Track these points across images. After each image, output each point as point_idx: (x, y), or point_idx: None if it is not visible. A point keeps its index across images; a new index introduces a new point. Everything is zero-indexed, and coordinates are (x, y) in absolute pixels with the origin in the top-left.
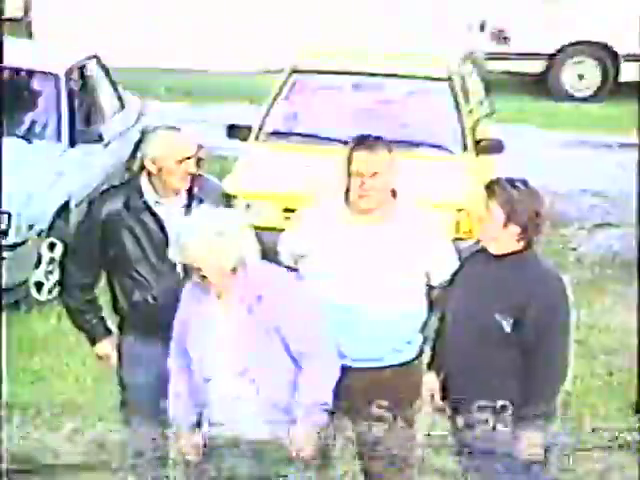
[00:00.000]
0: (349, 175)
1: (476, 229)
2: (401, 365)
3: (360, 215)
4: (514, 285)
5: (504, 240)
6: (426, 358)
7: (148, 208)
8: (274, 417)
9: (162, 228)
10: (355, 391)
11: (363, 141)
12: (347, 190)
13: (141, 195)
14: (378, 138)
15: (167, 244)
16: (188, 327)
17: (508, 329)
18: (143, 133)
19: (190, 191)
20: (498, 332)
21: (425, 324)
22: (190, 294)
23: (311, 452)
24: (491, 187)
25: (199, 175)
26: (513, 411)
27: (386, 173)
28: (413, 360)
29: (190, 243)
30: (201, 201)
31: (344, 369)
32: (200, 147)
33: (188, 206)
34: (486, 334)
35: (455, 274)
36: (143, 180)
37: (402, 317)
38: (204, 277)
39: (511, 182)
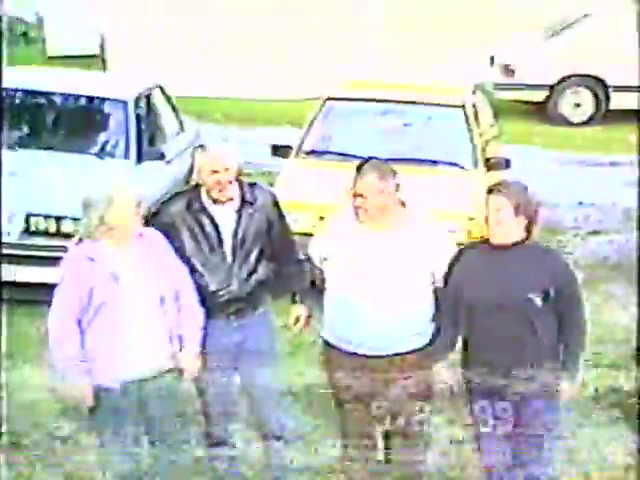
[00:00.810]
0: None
1: (489, 225)
2: (413, 352)
3: (372, 223)
4: (534, 266)
5: (514, 230)
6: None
7: (205, 210)
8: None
9: (216, 227)
10: (373, 375)
11: (359, 168)
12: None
13: (200, 200)
14: (372, 165)
15: (220, 241)
16: (93, 281)
17: (540, 303)
18: (194, 152)
19: (243, 197)
20: (532, 308)
21: (433, 316)
22: (83, 253)
23: (194, 371)
24: (498, 186)
25: (253, 183)
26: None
27: (373, 195)
28: (425, 347)
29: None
30: (251, 204)
31: (361, 356)
32: (233, 162)
33: (239, 210)
34: (521, 312)
35: (460, 267)
36: (202, 188)
37: (410, 311)
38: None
39: (509, 181)
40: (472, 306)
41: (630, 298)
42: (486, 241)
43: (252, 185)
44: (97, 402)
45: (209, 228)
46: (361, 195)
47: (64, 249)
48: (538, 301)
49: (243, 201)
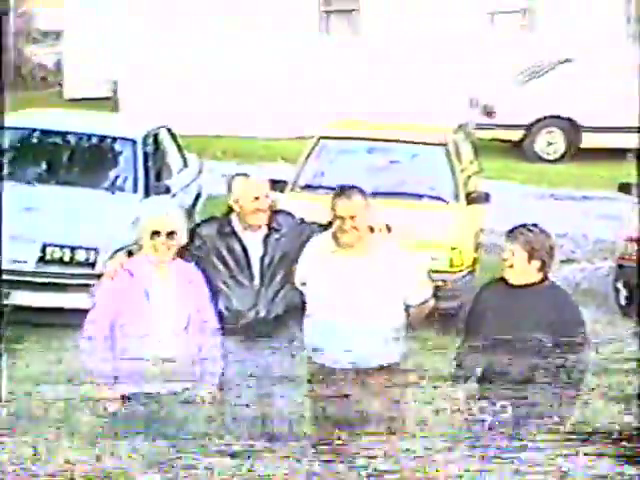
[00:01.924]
0: (334, 218)
1: (505, 270)
2: (384, 368)
3: (344, 249)
4: (546, 308)
5: (528, 273)
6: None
7: (235, 234)
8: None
9: (245, 251)
10: (349, 388)
11: (343, 191)
12: (334, 230)
13: (231, 225)
14: (353, 187)
15: (248, 264)
16: (128, 294)
17: (549, 344)
18: (229, 182)
19: (269, 224)
20: (540, 348)
21: (404, 336)
22: (124, 270)
23: (212, 395)
24: (513, 233)
25: (280, 210)
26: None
27: (361, 215)
28: (396, 364)
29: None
30: (277, 230)
31: (338, 370)
32: (268, 188)
33: (267, 236)
34: (529, 351)
35: (480, 306)
36: (233, 215)
37: (380, 330)
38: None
39: (526, 226)
40: (487, 342)
41: (600, 321)
42: (503, 279)
43: (278, 212)
44: (120, 409)
45: (238, 252)
46: (352, 217)
47: (78, 276)
48: (547, 342)
49: (269, 227)
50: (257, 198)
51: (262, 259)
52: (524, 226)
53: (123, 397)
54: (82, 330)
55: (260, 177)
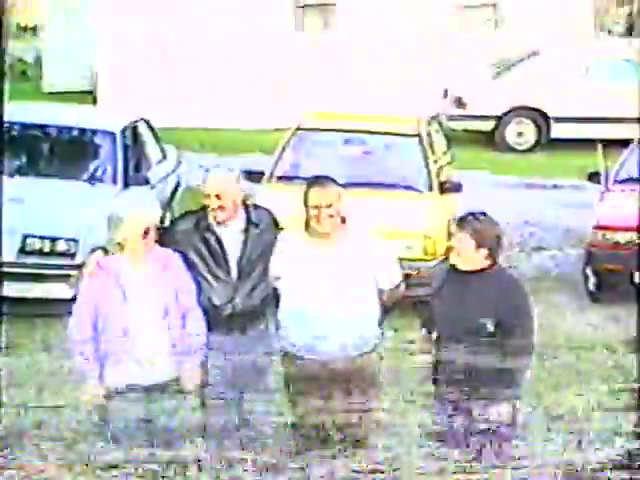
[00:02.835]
0: (307, 208)
1: (453, 256)
2: (361, 355)
3: (319, 238)
4: (492, 293)
5: (476, 260)
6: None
7: (210, 229)
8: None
9: (221, 245)
10: (324, 376)
11: (317, 181)
12: (306, 220)
13: (206, 219)
14: (327, 177)
15: (225, 258)
16: (105, 293)
17: (492, 328)
18: (204, 178)
19: (249, 218)
20: (484, 331)
21: (379, 323)
22: (103, 265)
23: (195, 385)
24: (461, 222)
25: (255, 205)
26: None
27: (336, 204)
28: (371, 351)
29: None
30: (256, 225)
31: (314, 360)
32: (228, 189)
33: (246, 229)
34: (474, 334)
35: (436, 290)
36: (209, 209)
37: (356, 316)
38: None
39: (474, 215)
40: (439, 326)
41: (569, 306)
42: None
43: (257, 207)
44: (106, 402)
45: (215, 246)
46: (328, 205)
47: (58, 267)
48: (489, 326)
49: (248, 222)
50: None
51: (241, 253)
52: (472, 215)
53: (108, 394)
54: (67, 327)
55: (226, 172)
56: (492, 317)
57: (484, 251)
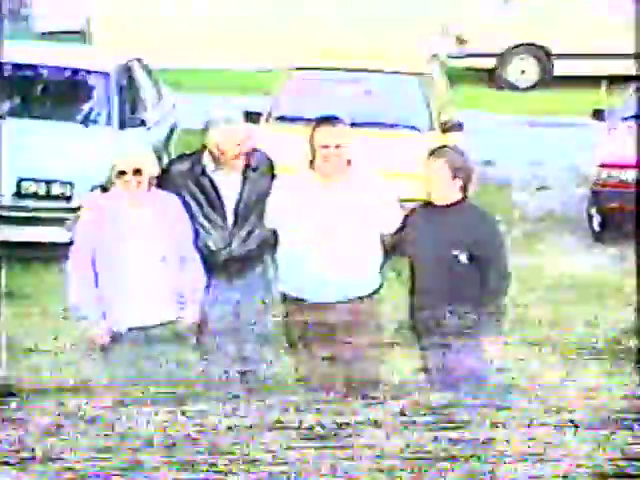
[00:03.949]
0: (313, 148)
1: (427, 188)
2: (362, 298)
3: (323, 180)
4: (464, 226)
5: (451, 192)
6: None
7: (205, 173)
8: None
9: (216, 190)
10: (324, 320)
11: (325, 120)
12: (311, 161)
13: (200, 164)
14: (336, 117)
15: (221, 203)
16: (100, 231)
17: (465, 260)
18: (207, 124)
19: (247, 163)
20: (457, 263)
21: (382, 266)
22: (100, 204)
23: (194, 323)
24: (437, 151)
25: (253, 150)
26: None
27: (345, 144)
28: (373, 293)
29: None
30: (254, 170)
31: (318, 304)
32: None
33: (244, 173)
34: (448, 266)
35: (408, 224)
36: (205, 154)
37: (358, 259)
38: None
39: (448, 147)
40: (413, 259)
41: (572, 246)
42: (429, 202)
43: (255, 151)
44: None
45: (210, 190)
46: (337, 145)
47: (54, 210)
48: (463, 258)
49: (247, 166)
50: (239, 145)
51: (238, 197)
52: (446, 146)
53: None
54: (66, 265)
55: (240, 121)
56: (464, 249)
57: (459, 182)
